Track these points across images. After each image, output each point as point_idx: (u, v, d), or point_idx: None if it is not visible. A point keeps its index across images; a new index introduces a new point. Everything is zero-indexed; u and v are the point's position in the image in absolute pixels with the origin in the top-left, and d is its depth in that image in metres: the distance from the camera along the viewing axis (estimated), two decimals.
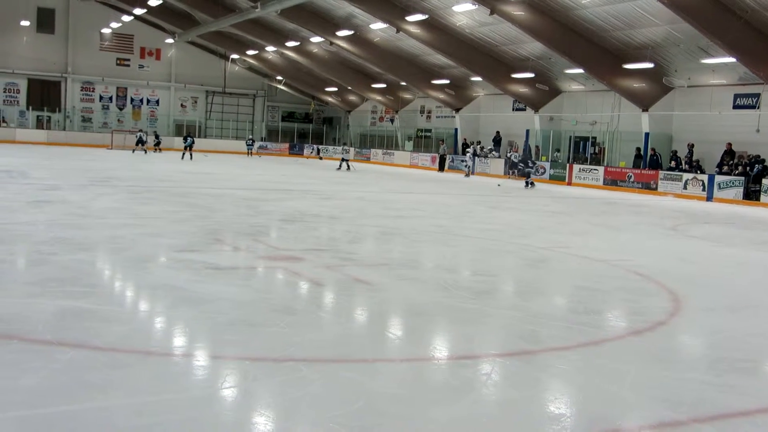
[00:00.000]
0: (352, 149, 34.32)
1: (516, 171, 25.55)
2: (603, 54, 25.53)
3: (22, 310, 5.24)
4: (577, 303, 6.86)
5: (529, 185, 24.29)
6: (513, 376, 4.52)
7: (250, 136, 43.12)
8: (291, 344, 4.81)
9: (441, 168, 34.72)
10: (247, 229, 10.44)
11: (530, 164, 25.29)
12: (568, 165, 29.07)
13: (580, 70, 27.04)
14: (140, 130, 39.40)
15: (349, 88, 43.71)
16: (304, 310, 5.92)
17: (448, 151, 35.35)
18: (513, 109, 33.81)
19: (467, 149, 33.18)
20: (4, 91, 43.00)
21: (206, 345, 4.81)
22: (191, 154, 32.76)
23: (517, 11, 24.14)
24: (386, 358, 4.82)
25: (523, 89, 30.90)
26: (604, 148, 29.18)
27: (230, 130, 48.07)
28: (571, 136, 30.74)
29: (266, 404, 3.81)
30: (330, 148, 44.61)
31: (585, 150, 30.29)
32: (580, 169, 28.37)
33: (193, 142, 33.86)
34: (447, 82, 34.86)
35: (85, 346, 4.52)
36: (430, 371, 4.58)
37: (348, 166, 31.10)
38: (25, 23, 42.26)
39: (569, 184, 28.26)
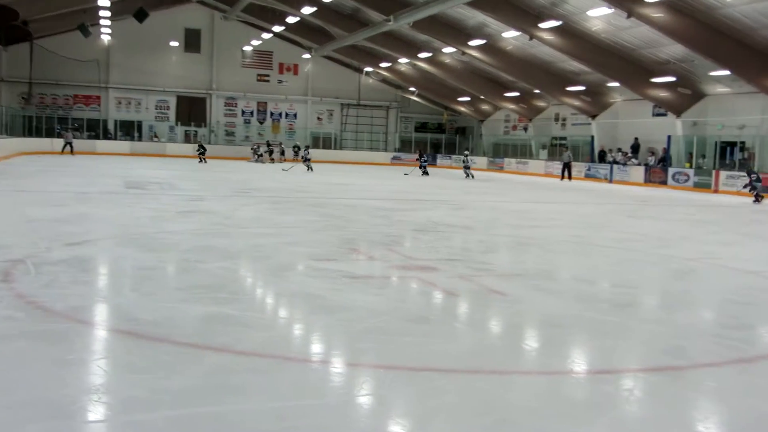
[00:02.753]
0: (471, 157, 33.93)
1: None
2: (751, 54, 24.14)
3: (172, 315, 5.52)
4: (728, 317, 6.50)
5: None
6: (658, 392, 4.32)
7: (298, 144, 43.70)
8: (426, 354, 4.81)
9: (564, 175, 33.51)
10: (382, 239, 10.57)
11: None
12: (714, 171, 27.65)
13: (726, 72, 25.70)
14: (255, 144, 41.04)
15: (482, 97, 43.48)
16: (438, 319, 5.91)
17: (572, 158, 34.22)
18: (653, 115, 32.53)
19: (606, 157, 32.17)
20: (156, 108, 45.70)
21: (343, 352, 4.90)
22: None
23: (656, 13, 23.24)
24: (522, 370, 4.73)
25: (663, 93, 29.70)
26: (753, 154, 27.54)
27: (365, 141, 48.94)
28: (716, 142, 29.18)
29: (402, 413, 3.83)
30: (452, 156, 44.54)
31: (732, 155, 28.71)
32: (727, 175, 26.87)
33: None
34: (582, 88, 34.02)
35: (229, 351, 4.70)
36: (569, 385, 4.46)
37: (468, 174, 31.30)
38: (174, 44, 44.77)
39: (715, 191, 26.85)
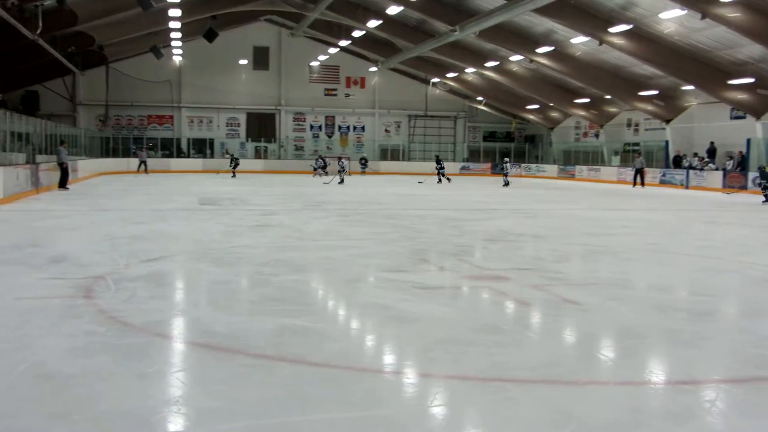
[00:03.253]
0: (510, 164, 33.34)
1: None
2: None
3: (246, 327, 5.62)
4: None
5: None
6: (741, 404, 4.18)
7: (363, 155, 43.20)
8: (499, 364, 4.77)
9: (636, 182, 32.53)
10: (452, 249, 10.53)
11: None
12: None
13: None
14: (319, 157, 40.59)
15: (551, 104, 42.99)
16: (510, 330, 5.86)
17: (645, 164, 33.35)
18: (731, 118, 31.56)
19: (682, 162, 31.30)
20: (227, 125, 46.69)
21: (415, 363, 4.89)
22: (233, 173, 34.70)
23: (732, 13, 22.56)
24: (598, 380, 4.65)
25: (741, 96, 28.76)
26: None
27: (433, 152, 48.94)
28: None
29: (476, 424, 3.80)
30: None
31: None
32: None
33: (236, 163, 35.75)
34: (655, 92, 33.25)
35: (303, 362, 4.75)
36: (647, 396, 4.35)
37: (506, 181, 30.96)
38: (243, 62, 45.68)
39: None
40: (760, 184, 23.22)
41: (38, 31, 26.22)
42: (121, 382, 4.29)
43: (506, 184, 30.69)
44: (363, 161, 39.97)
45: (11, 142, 21.84)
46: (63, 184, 23.23)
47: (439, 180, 31.96)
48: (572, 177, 41.06)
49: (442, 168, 33.05)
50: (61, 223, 13.40)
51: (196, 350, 5.09)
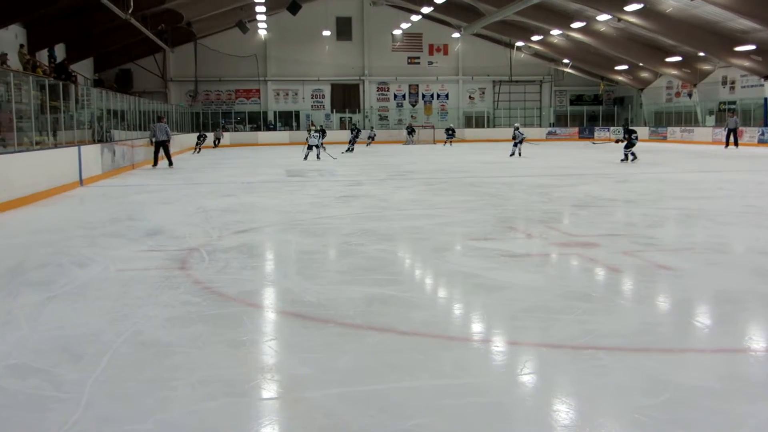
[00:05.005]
0: (522, 129, 28.29)
1: None
2: None
3: (336, 297, 5.70)
4: None
5: None
6: None
7: (450, 126, 41.68)
8: (589, 332, 4.70)
9: (729, 142, 30.93)
10: (540, 216, 10.39)
11: None
12: None
13: None
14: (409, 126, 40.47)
15: (641, 64, 41.60)
16: (602, 297, 5.74)
17: (739, 124, 31.69)
18: None
19: None
20: (312, 97, 47.16)
21: (503, 331, 4.87)
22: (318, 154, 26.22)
23: None
24: (695, 348, 4.52)
25: None
26: None
27: (518, 118, 48.22)
28: None
29: (567, 392, 3.76)
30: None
31: None
32: None
33: (322, 135, 28.43)
34: (753, 47, 31.66)
35: (391, 331, 4.80)
36: (746, 364, 4.21)
37: (515, 151, 26.21)
38: (326, 33, 45.91)
39: None
40: (622, 142, 23.04)
41: (130, 11, 27.01)
42: (216, 350, 4.43)
43: (512, 154, 26.28)
44: (450, 131, 39.36)
45: (107, 119, 22.65)
46: (156, 162, 22.77)
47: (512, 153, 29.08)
48: (664, 139, 39.79)
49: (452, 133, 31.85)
50: (156, 197, 13.86)
51: (287, 319, 5.20)
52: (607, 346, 4.42)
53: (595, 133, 45.46)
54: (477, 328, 5.04)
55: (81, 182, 16.05)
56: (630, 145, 22.28)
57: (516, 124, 29.84)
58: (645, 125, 43.54)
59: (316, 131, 25.65)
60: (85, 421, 3.41)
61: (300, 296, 5.71)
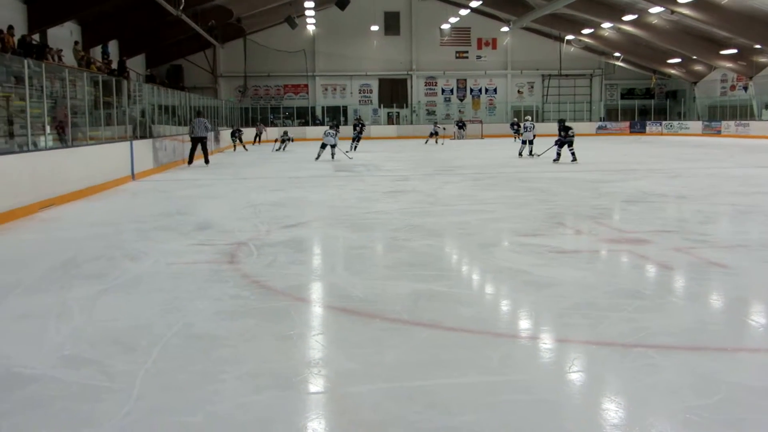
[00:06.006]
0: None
1: None
2: None
3: (382, 292, 5.71)
4: None
5: None
6: None
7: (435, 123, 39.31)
8: (640, 330, 4.62)
9: None
10: (589, 212, 10.25)
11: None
12: None
13: None
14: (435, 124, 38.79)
15: (694, 57, 40.74)
16: (653, 294, 5.64)
17: None
18: None
19: None
20: (359, 92, 47.27)
21: (552, 328, 4.82)
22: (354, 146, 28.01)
23: None
24: (749, 347, 4.41)
25: None
26: None
27: (567, 112, 47.67)
28: None
29: (617, 390, 3.70)
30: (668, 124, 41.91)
31: None
32: None
33: (361, 131, 30.00)
34: None
35: (438, 326, 4.78)
36: None
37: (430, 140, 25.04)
38: (374, 28, 45.96)
39: None
40: (559, 143, 20.36)
41: (181, 7, 27.42)
42: (264, 343, 4.48)
43: (520, 155, 23.24)
44: (515, 126, 37.21)
45: (159, 114, 23.00)
46: (191, 160, 21.42)
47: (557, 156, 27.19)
48: (718, 134, 38.94)
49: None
50: (206, 191, 14.05)
51: (334, 314, 5.23)
52: (658, 344, 4.34)
53: (647, 128, 44.70)
54: (525, 324, 5.00)
55: (133, 176, 16.35)
56: (563, 143, 20.09)
57: (527, 117, 26.94)
58: (698, 119, 42.68)
59: (332, 128, 23.70)
60: (136, 412, 3.48)
61: (347, 291, 5.73)
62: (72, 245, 8.06)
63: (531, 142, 23.27)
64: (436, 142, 35.14)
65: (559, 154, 20.33)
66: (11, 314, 5.25)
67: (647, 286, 5.98)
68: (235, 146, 31.62)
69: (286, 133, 31.49)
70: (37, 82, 12.28)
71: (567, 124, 20.78)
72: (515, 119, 38.30)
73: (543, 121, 47.03)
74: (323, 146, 23.19)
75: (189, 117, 25.33)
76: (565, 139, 20.15)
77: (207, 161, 21.62)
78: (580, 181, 14.77)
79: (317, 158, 22.91)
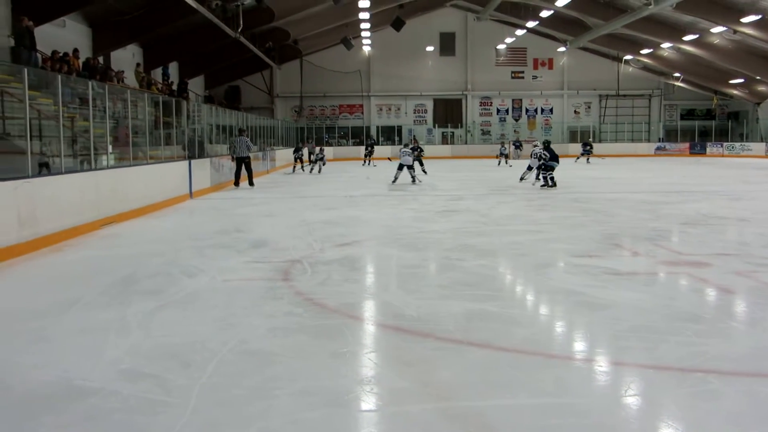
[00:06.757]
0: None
1: None
2: None
3: (435, 311, 5.69)
4: None
5: None
6: None
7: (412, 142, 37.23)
8: (699, 354, 4.51)
9: None
10: (647, 233, 10.07)
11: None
12: None
13: None
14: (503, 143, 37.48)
15: (758, 77, 39.79)
16: (712, 318, 5.51)
17: None
18: None
19: None
20: (414, 112, 47.41)
21: (607, 351, 4.74)
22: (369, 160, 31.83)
23: None
24: None
25: None
26: None
27: (625, 132, 46.93)
28: None
29: (674, 416, 3.62)
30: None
31: None
32: None
33: (371, 149, 32.58)
34: None
35: (491, 347, 4.75)
36: None
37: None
38: (429, 48, 46.12)
39: None
40: (540, 167, 18.91)
41: (239, 30, 27.96)
42: (317, 361, 4.50)
43: (522, 177, 21.12)
44: (587, 147, 36.07)
45: (217, 134, 23.42)
46: (238, 182, 20.15)
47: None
48: None
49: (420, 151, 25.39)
50: (261, 209, 14.23)
51: (386, 332, 5.23)
52: (718, 369, 4.23)
53: (707, 149, 43.79)
54: (579, 346, 4.93)
55: (191, 195, 16.66)
56: (547, 168, 18.65)
57: (535, 142, 22.52)
58: (762, 141, 41.61)
59: (407, 147, 21.55)
60: (192, 426, 3.53)
61: (400, 310, 5.73)
62: (132, 262, 8.24)
63: (544, 167, 19.18)
64: (506, 162, 34.01)
65: (545, 179, 18.72)
66: (72, 328, 5.39)
67: (707, 310, 5.84)
68: (294, 167, 30.55)
69: (321, 150, 29.61)
70: (100, 102, 12.66)
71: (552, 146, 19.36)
72: (504, 139, 38.26)
73: (600, 141, 46.47)
74: (400, 167, 20.93)
75: (250, 136, 24.71)
76: (547, 162, 18.74)
77: (251, 183, 20.29)
78: (638, 202, 14.53)
79: (394, 181, 20.85)
